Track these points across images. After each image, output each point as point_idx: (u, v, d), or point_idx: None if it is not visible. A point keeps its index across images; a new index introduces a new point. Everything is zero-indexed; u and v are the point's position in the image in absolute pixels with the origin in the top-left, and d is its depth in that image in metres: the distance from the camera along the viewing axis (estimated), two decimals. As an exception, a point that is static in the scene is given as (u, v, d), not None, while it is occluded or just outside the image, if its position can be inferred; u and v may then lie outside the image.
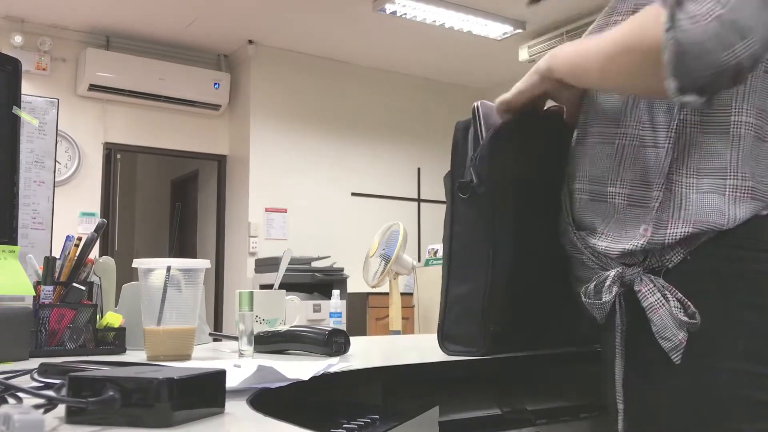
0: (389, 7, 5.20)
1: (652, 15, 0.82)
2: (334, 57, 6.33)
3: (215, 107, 6.11)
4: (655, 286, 0.90)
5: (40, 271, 1.26)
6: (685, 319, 0.86)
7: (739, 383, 0.86)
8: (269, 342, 1.24)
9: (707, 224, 0.88)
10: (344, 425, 0.88)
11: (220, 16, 5.46)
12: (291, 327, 1.27)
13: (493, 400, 1.21)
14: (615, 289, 0.93)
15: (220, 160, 6.31)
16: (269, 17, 5.49)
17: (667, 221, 0.89)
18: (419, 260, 6.08)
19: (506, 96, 1.10)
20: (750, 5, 0.77)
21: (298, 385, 0.83)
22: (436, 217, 6.71)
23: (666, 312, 0.88)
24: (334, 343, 1.16)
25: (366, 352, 1.22)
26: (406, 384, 1.09)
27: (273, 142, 6.05)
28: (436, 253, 5.27)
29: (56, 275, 1.26)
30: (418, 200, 6.78)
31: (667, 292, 0.89)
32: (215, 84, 6.03)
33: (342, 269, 5.50)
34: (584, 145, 1.02)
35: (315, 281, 5.25)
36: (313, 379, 0.86)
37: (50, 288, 1.23)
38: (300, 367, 0.90)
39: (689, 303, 0.87)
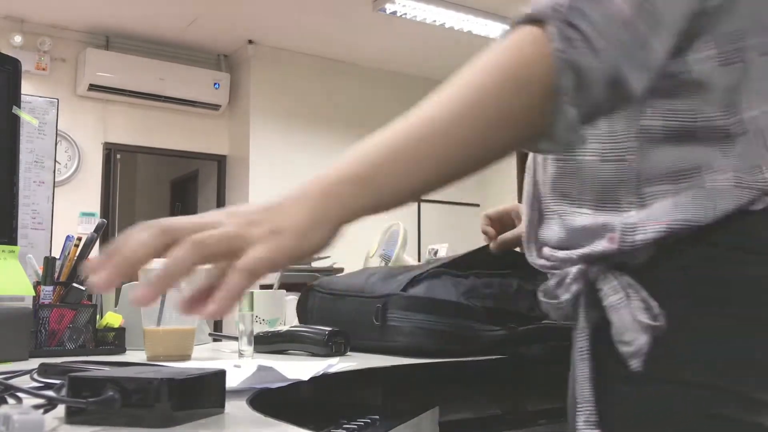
0: (389, 7, 5.20)
1: (528, 37, 0.68)
2: (334, 57, 6.33)
3: (215, 107, 6.11)
4: (618, 283, 0.80)
5: (40, 271, 1.26)
6: (647, 321, 0.77)
7: (699, 398, 0.76)
8: (269, 342, 1.24)
9: (684, 222, 0.77)
10: (344, 425, 0.88)
11: (220, 16, 5.46)
12: (291, 327, 1.27)
13: (493, 400, 1.21)
14: (575, 288, 0.85)
15: (220, 160, 6.31)
16: (269, 17, 5.49)
17: (636, 226, 0.79)
18: (419, 260, 6.08)
19: None
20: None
21: (298, 385, 0.83)
22: (436, 217, 6.71)
23: (627, 313, 0.78)
24: (334, 343, 1.16)
25: (366, 352, 1.22)
26: (406, 384, 1.09)
27: (273, 142, 6.05)
28: (436, 253, 5.27)
29: (56, 275, 1.26)
30: (418, 200, 6.77)
31: (630, 290, 0.79)
32: (215, 84, 6.03)
33: (342, 269, 5.49)
34: (546, 166, 0.93)
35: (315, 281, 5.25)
36: (313, 379, 0.86)
37: (50, 288, 1.23)
38: (300, 367, 0.90)
39: (653, 303, 0.77)
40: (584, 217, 0.87)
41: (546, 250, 0.92)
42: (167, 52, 5.96)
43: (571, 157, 0.88)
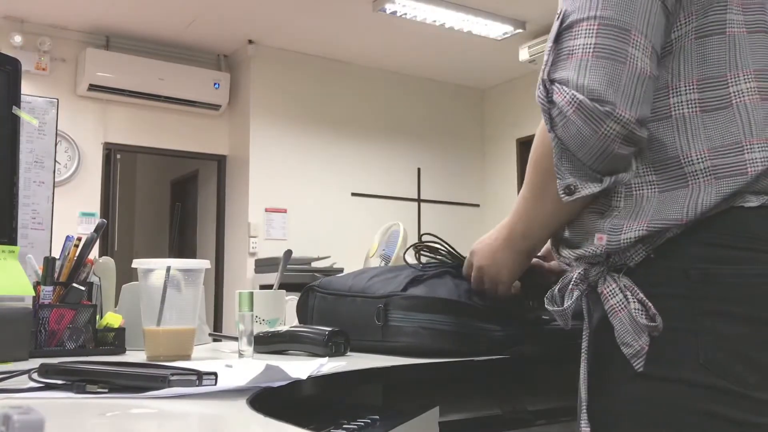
0: (389, 7, 5.20)
1: (542, 125, 0.85)
2: (334, 57, 6.33)
3: (215, 107, 6.11)
4: (617, 285, 0.83)
5: (40, 272, 1.26)
6: (645, 322, 0.79)
7: (696, 396, 0.78)
8: (269, 342, 1.24)
9: (663, 222, 0.80)
10: (344, 425, 0.88)
11: (220, 16, 5.46)
12: (291, 327, 1.27)
13: (493, 400, 1.21)
14: (576, 293, 0.88)
15: (220, 161, 6.31)
16: (269, 17, 5.49)
17: (622, 226, 0.83)
18: (419, 260, 6.07)
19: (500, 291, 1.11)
20: (602, 76, 0.78)
21: (298, 385, 0.83)
22: (436, 217, 6.71)
23: (626, 315, 0.81)
24: (334, 343, 1.16)
25: (366, 352, 1.22)
26: (406, 384, 1.09)
27: (273, 142, 6.05)
28: (436, 253, 5.26)
29: (56, 275, 1.26)
30: (418, 200, 6.78)
31: (628, 293, 0.82)
32: (215, 84, 6.03)
33: (342, 269, 5.49)
34: None
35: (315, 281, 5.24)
36: (313, 379, 0.86)
37: (50, 288, 1.23)
38: (300, 367, 0.89)
39: (650, 305, 0.80)
40: (579, 216, 0.90)
41: (560, 248, 0.96)
42: (167, 52, 5.96)
43: None
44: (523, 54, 5.73)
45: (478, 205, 7.07)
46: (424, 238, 1.26)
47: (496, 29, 5.60)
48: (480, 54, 6.19)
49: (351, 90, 6.49)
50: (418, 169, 6.80)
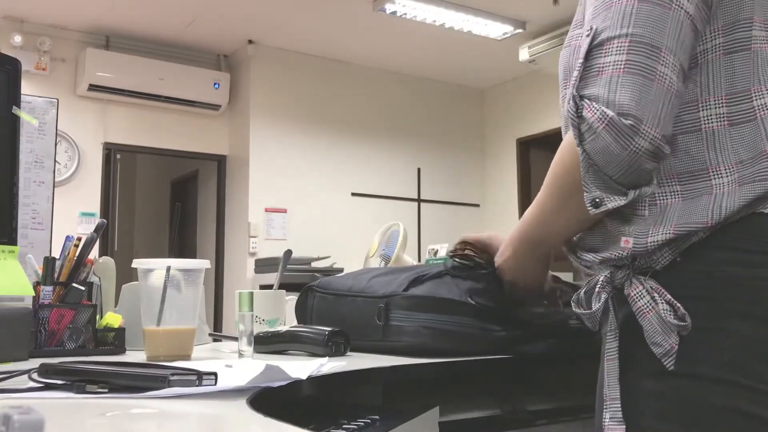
0: (389, 7, 5.20)
1: (568, 138, 0.88)
2: (334, 57, 6.33)
3: (215, 107, 6.11)
4: (644, 288, 0.86)
5: (40, 271, 1.26)
6: (675, 321, 0.82)
7: (721, 394, 0.81)
8: (269, 342, 1.24)
9: (690, 225, 0.83)
10: (344, 425, 0.88)
11: (220, 16, 5.46)
12: (291, 327, 1.27)
13: (493, 400, 1.21)
14: (603, 296, 0.90)
15: (220, 160, 6.31)
16: (269, 17, 5.49)
17: (648, 230, 0.86)
18: (419, 260, 6.08)
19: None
20: (632, 93, 0.81)
21: (298, 385, 0.83)
22: (436, 217, 6.71)
23: (655, 316, 0.84)
24: (334, 343, 1.16)
25: (366, 352, 1.22)
26: (406, 384, 1.09)
27: (273, 142, 6.05)
28: (436, 253, 5.26)
29: (56, 275, 1.26)
30: (418, 200, 6.78)
31: (656, 294, 0.85)
32: (215, 84, 6.03)
33: (342, 269, 5.49)
34: None
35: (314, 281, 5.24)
36: (313, 379, 0.86)
37: (50, 288, 1.23)
38: (300, 367, 0.90)
39: (679, 305, 0.83)
40: (601, 222, 0.92)
41: (579, 252, 0.98)
42: (167, 52, 5.96)
43: None
44: (523, 54, 5.73)
45: (478, 205, 7.07)
46: (458, 245, 1.24)
47: (496, 29, 5.60)
48: (480, 54, 6.19)
49: (351, 90, 6.48)
50: (418, 169, 6.80)
